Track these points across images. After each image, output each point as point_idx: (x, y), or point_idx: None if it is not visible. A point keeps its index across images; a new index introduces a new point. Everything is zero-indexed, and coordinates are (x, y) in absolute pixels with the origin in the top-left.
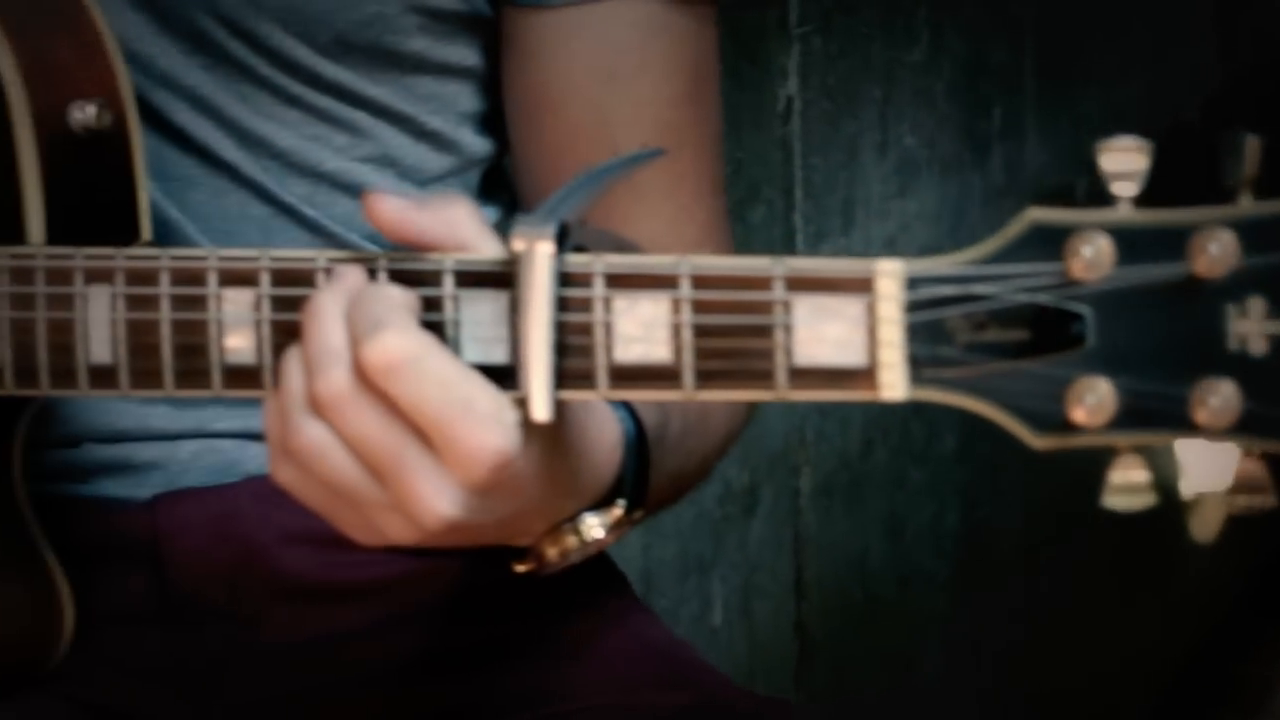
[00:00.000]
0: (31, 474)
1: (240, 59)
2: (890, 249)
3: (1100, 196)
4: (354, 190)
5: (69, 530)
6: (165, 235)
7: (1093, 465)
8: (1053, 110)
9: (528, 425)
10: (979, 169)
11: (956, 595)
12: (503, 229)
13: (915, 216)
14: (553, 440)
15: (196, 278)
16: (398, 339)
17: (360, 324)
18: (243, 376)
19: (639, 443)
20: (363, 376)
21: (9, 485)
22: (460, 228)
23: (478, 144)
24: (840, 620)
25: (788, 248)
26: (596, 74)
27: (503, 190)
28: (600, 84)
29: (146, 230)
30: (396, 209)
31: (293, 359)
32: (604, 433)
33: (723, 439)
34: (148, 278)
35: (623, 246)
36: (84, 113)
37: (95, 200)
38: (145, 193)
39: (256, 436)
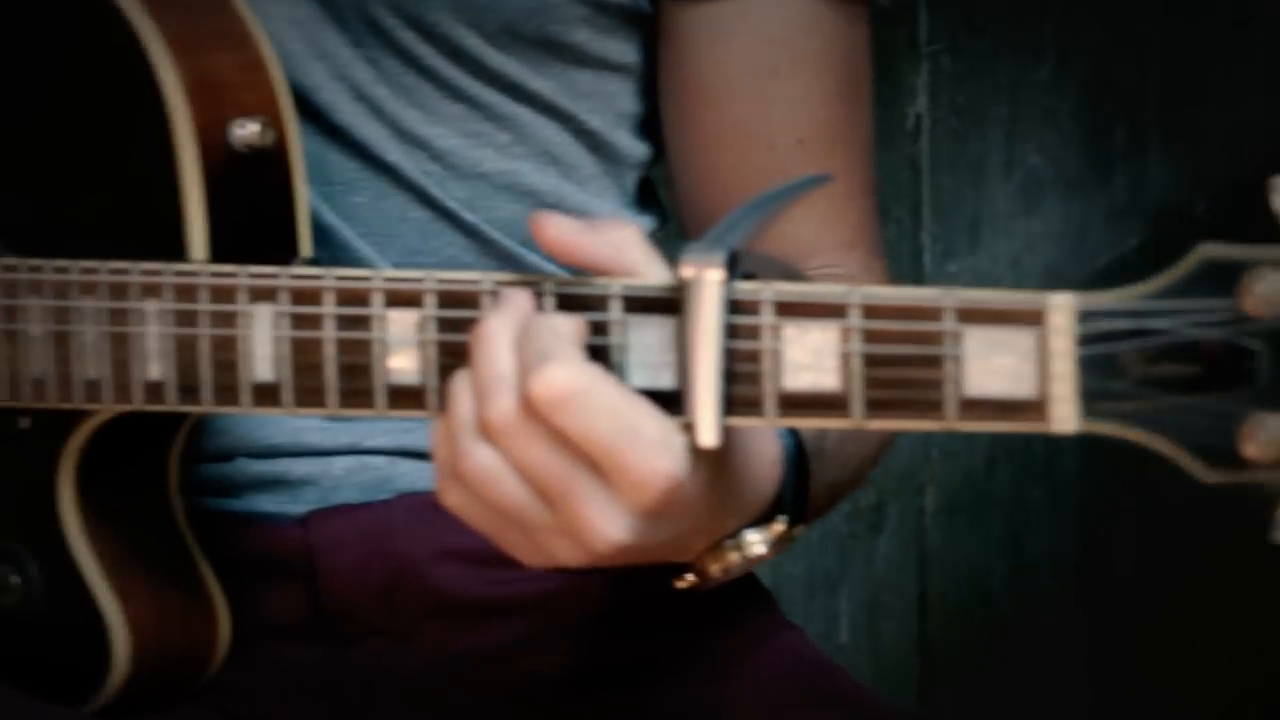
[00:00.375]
0: (186, 488)
1: (408, 48)
2: (1015, 268)
3: (1220, 218)
4: (514, 192)
5: (223, 544)
6: (324, 240)
7: (1213, 488)
8: (1175, 130)
9: (694, 450)
10: (1102, 188)
11: (1076, 614)
12: (656, 239)
13: (1040, 235)
14: (718, 463)
15: (361, 298)
16: (565, 372)
17: (528, 355)
18: (407, 397)
19: (799, 458)
20: (530, 407)
21: (166, 498)
22: (628, 252)
23: (634, 147)
24: (963, 638)
25: (915, 266)
26: (754, 69)
27: (656, 200)
28: (757, 79)
29: (306, 247)
30: (565, 231)
31: (461, 383)
32: (765, 450)
33: (877, 447)
34: (312, 297)
35: (789, 273)
36: (246, 130)
37: (255, 217)
38: (305, 210)
39: (409, 453)
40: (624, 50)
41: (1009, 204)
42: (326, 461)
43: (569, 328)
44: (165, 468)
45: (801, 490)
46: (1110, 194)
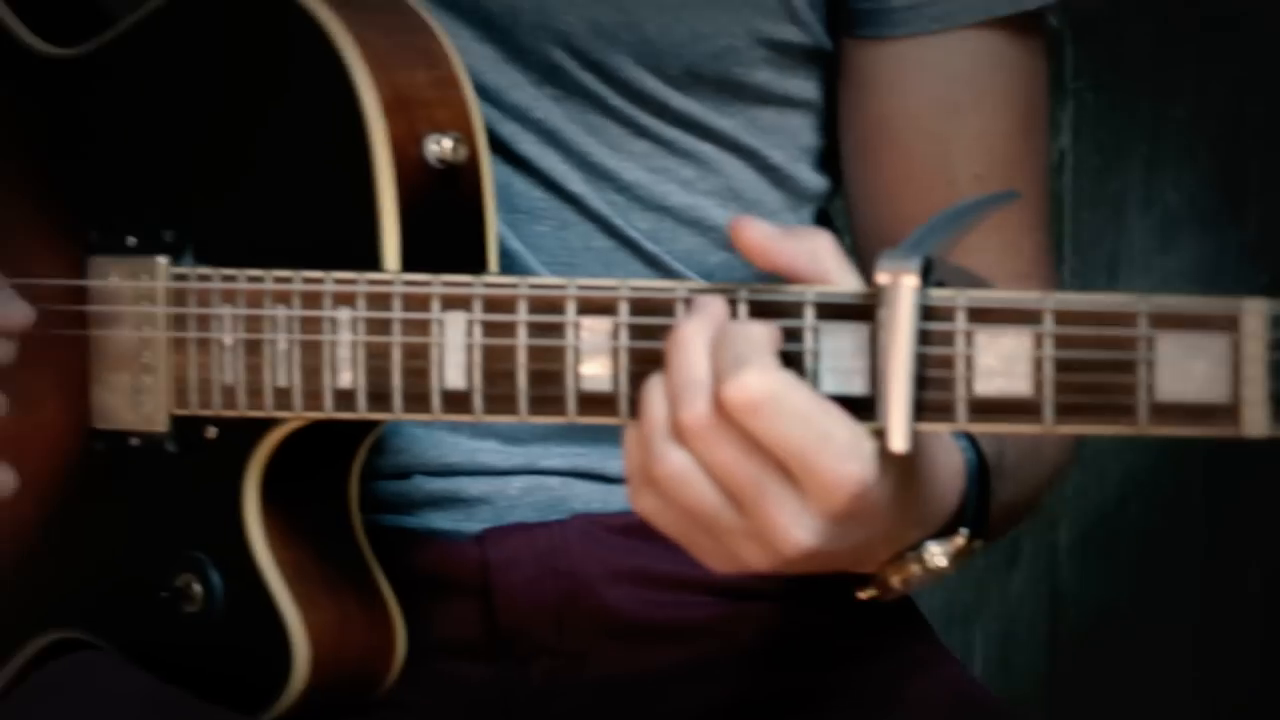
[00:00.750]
0: (363, 504)
1: (591, 90)
2: None
3: None
4: (697, 226)
5: (399, 560)
6: (508, 267)
7: None
8: None
9: (883, 455)
10: (1237, 225)
11: (1207, 650)
12: None
13: (1174, 272)
14: (906, 470)
15: (555, 305)
16: (759, 378)
17: (723, 360)
18: (597, 403)
19: (980, 472)
20: (724, 411)
21: (346, 511)
22: (822, 259)
23: (814, 180)
24: (1094, 672)
25: None
26: (935, 106)
27: (834, 231)
28: (938, 116)
29: (494, 263)
30: (764, 234)
31: (656, 387)
32: (950, 461)
33: (1052, 470)
34: (505, 305)
35: (977, 282)
36: (439, 146)
37: (446, 232)
38: (494, 226)
39: (583, 475)
40: (805, 87)
41: (1146, 240)
42: (502, 481)
43: (763, 334)
44: (346, 481)
45: (983, 504)
46: (1243, 231)
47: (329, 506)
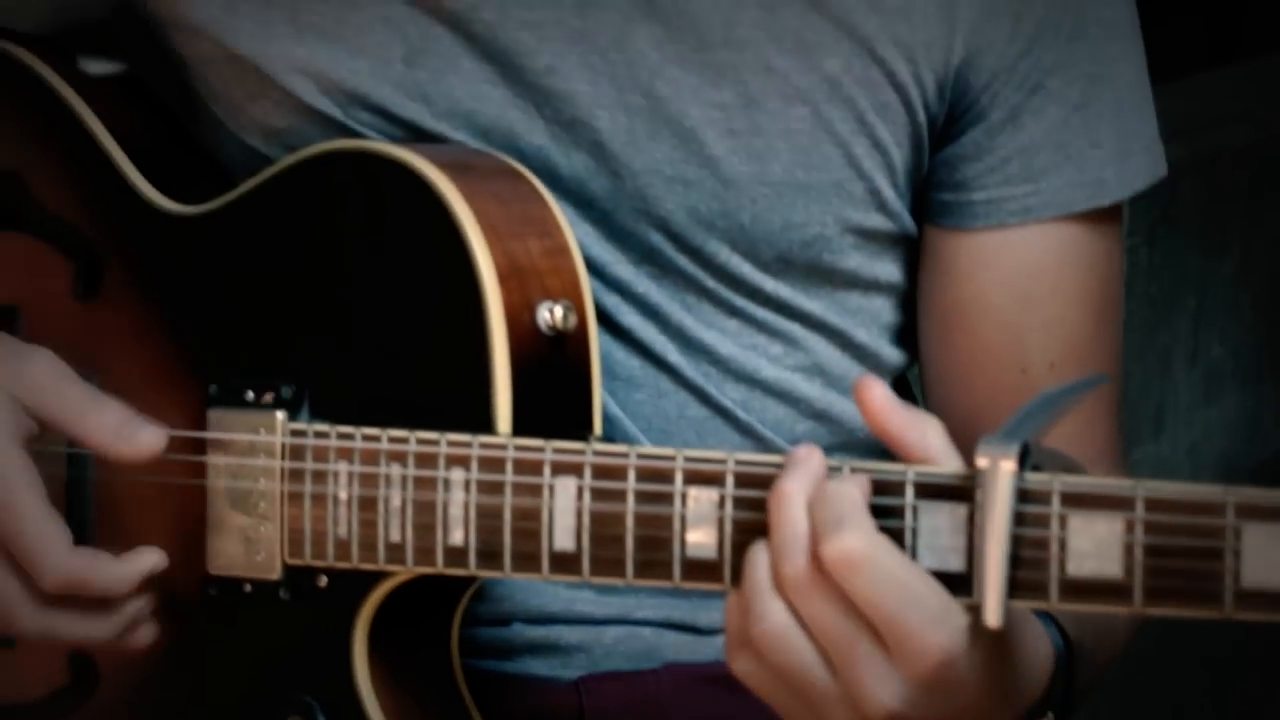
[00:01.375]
0: (463, 649)
1: (687, 272)
2: (1193, 456)
3: None
4: (785, 398)
5: (498, 704)
6: (607, 431)
7: None
8: None
9: (973, 630)
10: (1276, 380)
11: None
12: None
13: (1217, 425)
14: (995, 647)
15: (663, 475)
16: (857, 540)
17: (823, 519)
18: (702, 569)
19: (1067, 657)
20: (822, 568)
21: (448, 658)
22: (930, 438)
23: (893, 355)
24: None
25: None
26: (1011, 295)
27: (908, 399)
28: (1014, 305)
29: (598, 427)
30: (886, 399)
31: (759, 548)
32: (1038, 646)
33: (1118, 650)
34: (615, 472)
35: (1071, 466)
36: (551, 313)
37: (554, 396)
38: (599, 392)
39: (676, 626)
40: (890, 270)
41: (1191, 394)
42: (598, 630)
43: (859, 494)
44: (449, 629)
45: (1069, 689)
46: None
47: (432, 653)
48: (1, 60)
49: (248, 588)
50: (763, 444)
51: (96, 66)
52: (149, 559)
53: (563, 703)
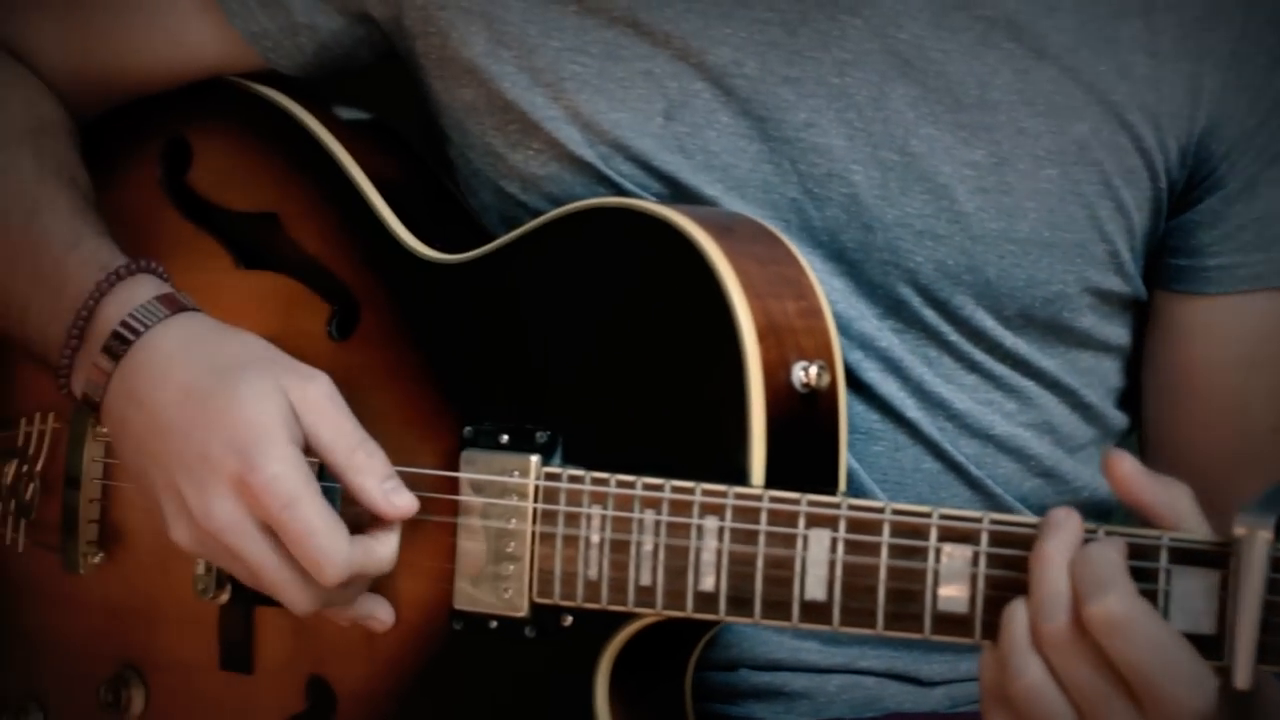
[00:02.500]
0: (692, 692)
1: (931, 325)
2: None
3: None
4: (1016, 454)
5: None
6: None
7: None
8: None
9: (1223, 692)
10: None
11: None
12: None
13: None
14: (1241, 710)
15: (918, 531)
16: (1119, 602)
17: (1085, 580)
18: (953, 623)
19: None
20: (1083, 629)
21: (681, 699)
22: (1180, 505)
23: (1117, 418)
24: None
25: None
26: (1238, 360)
27: None
28: (1240, 369)
29: (843, 482)
30: (1136, 471)
31: (1019, 608)
32: (1277, 709)
33: None
34: (869, 527)
35: None
36: (805, 372)
37: (803, 451)
38: (845, 449)
39: (898, 676)
40: (1120, 334)
41: None
42: (822, 678)
43: (1119, 558)
44: (684, 672)
45: None
46: None
47: (666, 694)
48: (262, 105)
49: (493, 624)
50: (992, 499)
51: (350, 114)
52: (396, 537)
53: None
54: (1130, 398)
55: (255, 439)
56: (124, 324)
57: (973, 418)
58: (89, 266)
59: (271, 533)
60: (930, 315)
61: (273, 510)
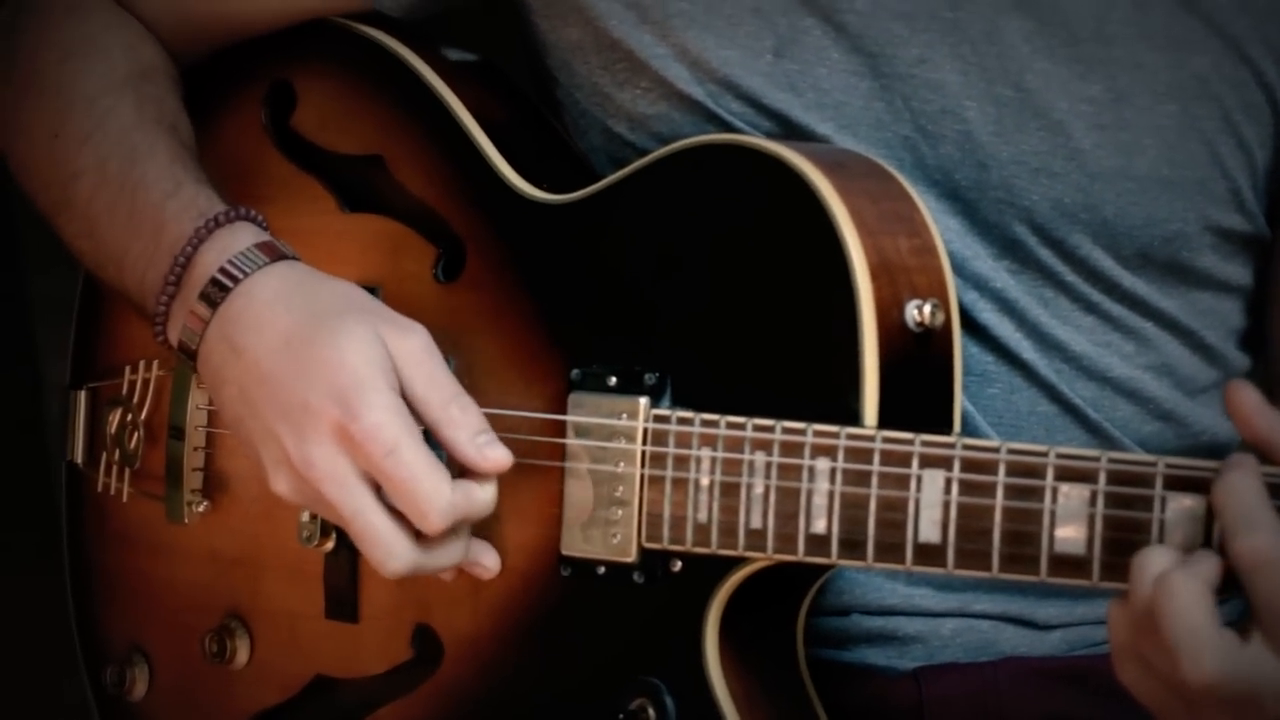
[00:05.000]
0: (804, 638)
1: (1047, 265)
2: None
3: None
4: (1134, 397)
5: (837, 693)
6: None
7: None
8: None
9: None
10: None
11: None
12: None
13: None
14: None
15: (1034, 471)
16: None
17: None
18: (1069, 566)
19: None
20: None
21: (792, 646)
22: None
23: (1239, 359)
24: None
25: None
26: None
27: None
28: None
29: (958, 424)
30: (1258, 403)
31: (1153, 554)
32: None
33: None
34: (984, 467)
35: None
36: (919, 311)
37: (917, 391)
38: (960, 390)
39: (1014, 619)
40: (1241, 273)
41: None
42: (936, 622)
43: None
44: (795, 618)
45: None
46: None
47: (777, 640)
48: (366, 45)
49: (601, 570)
50: (1110, 443)
51: (456, 54)
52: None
53: (901, 692)
54: (1253, 338)
55: (356, 386)
56: (222, 270)
57: (1090, 359)
58: (187, 213)
59: (373, 482)
60: (1046, 255)
61: (375, 457)
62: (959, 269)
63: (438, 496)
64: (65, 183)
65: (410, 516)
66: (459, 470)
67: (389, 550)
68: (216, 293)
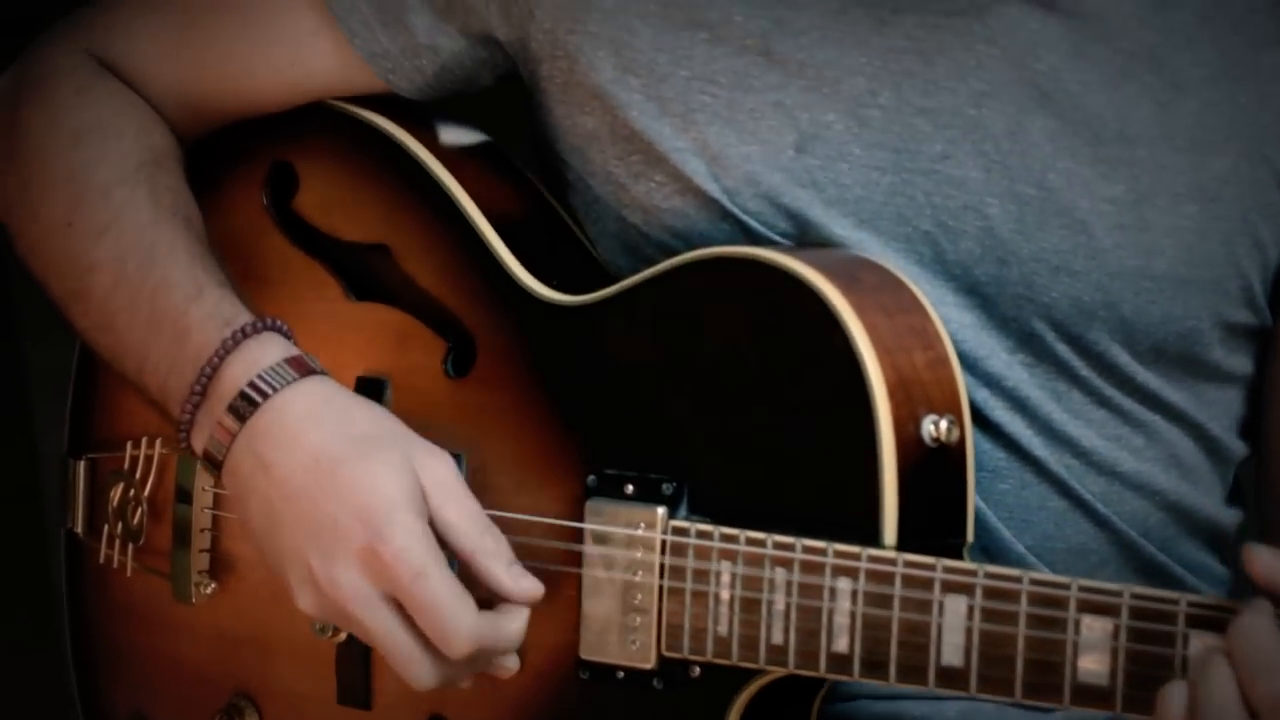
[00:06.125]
0: None
1: (1063, 360)
2: None
3: None
4: (1143, 490)
5: None
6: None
7: None
8: None
9: None
10: None
11: None
12: (1241, 528)
13: None
14: None
15: (1057, 602)
16: None
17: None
18: (1092, 695)
19: None
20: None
21: None
22: None
23: (1238, 447)
24: None
25: None
26: None
27: (1240, 493)
28: None
29: (970, 534)
30: (1275, 559)
31: (1176, 689)
32: None
33: None
34: (1007, 595)
35: None
36: (935, 427)
37: (932, 504)
38: (973, 501)
39: (1016, 702)
40: (1244, 364)
41: None
42: (941, 705)
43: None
44: (809, 716)
45: None
46: None
47: None
48: (366, 130)
49: (620, 674)
50: (1117, 536)
51: (457, 135)
52: (526, 613)
53: None
54: (1250, 427)
55: (385, 510)
56: (252, 385)
57: (1100, 454)
58: (213, 321)
59: (398, 605)
60: (1063, 350)
61: (402, 581)
62: (973, 367)
63: (462, 624)
64: (80, 274)
65: (434, 641)
66: (484, 600)
67: (415, 670)
68: (245, 407)
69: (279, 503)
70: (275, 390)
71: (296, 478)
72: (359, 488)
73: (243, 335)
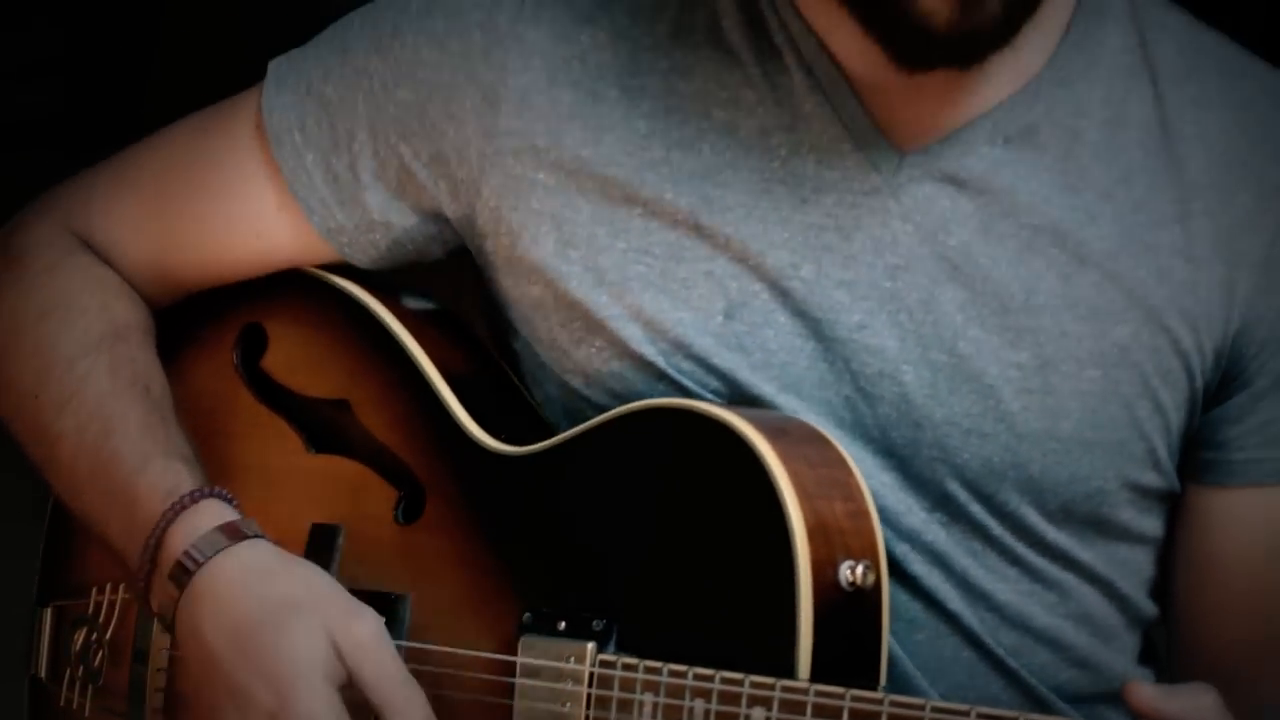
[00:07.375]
0: None
1: (976, 518)
2: None
3: None
4: (1053, 645)
5: None
6: (888, 670)
7: None
8: None
9: None
10: None
11: None
12: None
13: None
14: None
15: None
16: None
17: None
18: None
19: None
20: None
21: None
22: (1207, 713)
23: (1148, 607)
24: None
25: None
26: (1262, 549)
27: (1155, 653)
28: (1264, 558)
29: (884, 677)
30: (1155, 696)
31: None
32: None
33: None
34: None
35: None
36: (852, 572)
37: (846, 646)
38: (886, 646)
39: None
40: (1154, 525)
41: None
42: None
43: None
44: None
45: None
46: None
47: None
48: (336, 295)
49: None
50: (1027, 690)
51: (418, 304)
52: None
53: None
54: (1159, 589)
55: (291, 678)
56: (186, 553)
57: (1013, 609)
58: (155, 492)
59: None
60: (976, 509)
61: None
62: (892, 523)
63: None
64: (50, 443)
65: None
66: None
67: None
68: (182, 575)
69: (205, 667)
70: (206, 558)
71: (219, 644)
72: (271, 656)
73: (181, 506)
